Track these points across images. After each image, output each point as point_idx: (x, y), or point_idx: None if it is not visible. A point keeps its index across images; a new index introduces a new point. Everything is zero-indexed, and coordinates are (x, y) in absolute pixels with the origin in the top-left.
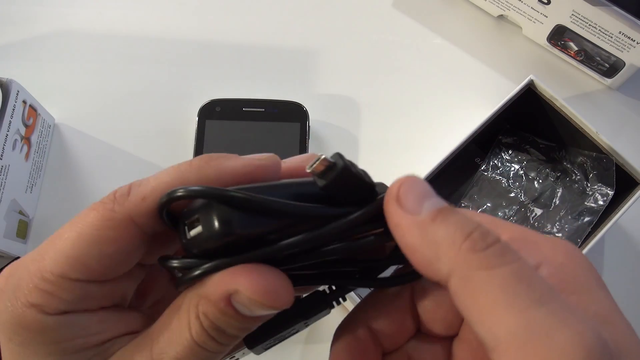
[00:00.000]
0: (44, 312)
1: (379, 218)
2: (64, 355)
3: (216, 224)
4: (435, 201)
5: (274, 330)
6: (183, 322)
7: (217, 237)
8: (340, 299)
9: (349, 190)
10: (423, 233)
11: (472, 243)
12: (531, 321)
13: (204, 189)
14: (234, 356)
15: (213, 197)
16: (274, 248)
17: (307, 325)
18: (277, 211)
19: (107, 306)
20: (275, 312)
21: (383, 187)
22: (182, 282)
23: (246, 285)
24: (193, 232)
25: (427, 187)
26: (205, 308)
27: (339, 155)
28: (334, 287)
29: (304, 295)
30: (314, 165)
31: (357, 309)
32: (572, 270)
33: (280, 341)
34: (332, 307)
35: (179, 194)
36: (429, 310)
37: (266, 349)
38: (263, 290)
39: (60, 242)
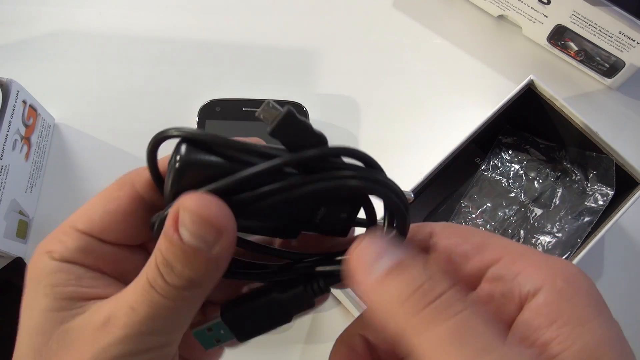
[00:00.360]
0: (52, 257)
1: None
2: (55, 299)
3: (177, 160)
4: (386, 259)
5: (248, 304)
6: (144, 268)
7: (178, 175)
8: (318, 285)
9: (296, 137)
10: (375, 295)
11: (418, 299)
12: None
13: (174, 128)
14: (219, 340)
15: (180, 136)
16: (226, 180)
17: (290, 318)
18: (234, 148)
19: (105, 271)
20: (218, 243)
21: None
22: (152, 225)
23: (188, 203)
24: (168, 179)
25: (383, 245)
26: (160, 243)
27: (288, 107)
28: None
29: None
30: (262, 109)
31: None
32: (571, 297)
33: (261, 329)
34: (311, 295)
35: (159, 136)
36: None
37: (247, 335)
38: (201, 206)
39: (85, 204)
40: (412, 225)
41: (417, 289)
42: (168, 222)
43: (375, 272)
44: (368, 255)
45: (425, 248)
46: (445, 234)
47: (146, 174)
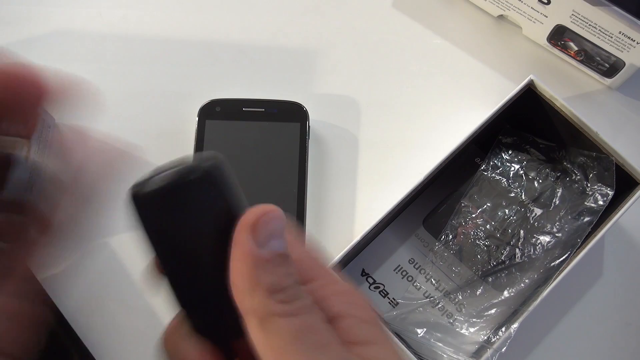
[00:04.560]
0: None
1: None
2: None
3: None
4: (279, 244)
5: None
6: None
7: None
8: None
9: None
10: (254, 266)
11: (282, 296)
12: None
13: None
14: None
15: None
16: None
17: None
18: None
19: None
20: None
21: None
22: None
23: None
24: None
25: (281, 228)
26: None
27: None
28: None
29: None
30: None
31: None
32: (369, 323)
33: None
34: None
35: None
36: None
37: None
38: None
39: None
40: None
41: (285, 286)
42: None
43: (265, 248)
44: (266, 227)
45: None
46: None
47: None
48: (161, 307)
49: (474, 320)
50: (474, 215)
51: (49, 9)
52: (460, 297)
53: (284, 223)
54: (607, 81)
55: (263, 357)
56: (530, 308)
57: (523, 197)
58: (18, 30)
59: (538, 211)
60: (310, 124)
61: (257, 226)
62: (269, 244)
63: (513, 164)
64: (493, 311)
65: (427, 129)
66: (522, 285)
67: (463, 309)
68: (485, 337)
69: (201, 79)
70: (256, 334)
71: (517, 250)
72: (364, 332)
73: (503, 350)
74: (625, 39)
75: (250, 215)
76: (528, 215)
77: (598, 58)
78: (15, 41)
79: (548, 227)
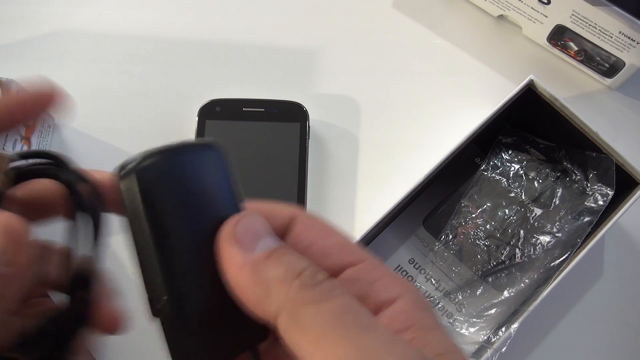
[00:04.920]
0: None
1: None
2: None
3: None
4: (270, 241)
5: None
6: None
7: None
8: None
9: None
10: (255, 271)
11: (302, 281)
12: (361, 349)
13: None
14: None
15: None
16: None
17: None
18: None
19: None
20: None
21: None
22: None
23: None
24: None
25: (264, 226)
26: None
27: None
28: None
29: None
30: None
31: None
32: (422, 309)
33: None
34: None
35: None
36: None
37: None
38: None
39: None
40: (273, 205)
41: (301, 271)
42: None
43: (259, 248)
44: (251, 231)
45: (282, 231)
46: (307, 224)
47: None
48: None
49: (474, 320)
50: (474, 215)
51: (49, 9)
52: (460, 297)
53: (263, 222)
54: (607, 81)
55: (304, 354)
56: (530, 308)
57: (523, 197)
58: (18, 30)
59: (538, 211)
60: (310, 124)
61: (239, 234)
62: (258, 245)
63: (513, 164)
64: (493, 311)
65: (427, 129)
66: (522, 285)
67: (463, 309)
68: (485, 337)
69: (201, 79)
70: (290, 333)
71: (517, 250)
72: (419, 315)
73: (503, 350)
74: (625, 39)
75: (227, 227)
76: (528, 215)
77: (598, 58)
78: (15, 41)
79: (548, 227)
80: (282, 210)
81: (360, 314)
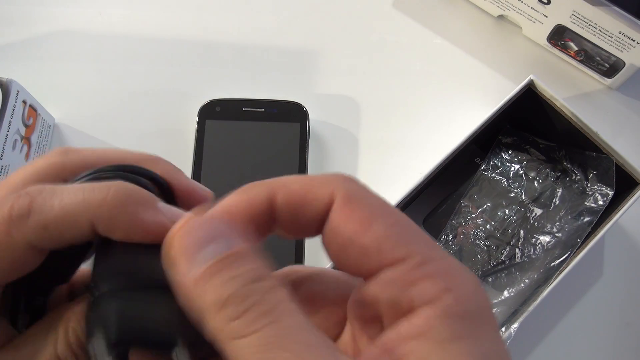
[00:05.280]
0: None
1: None
2: None
3: None
4: (212, 250)
5: None
6: (50, 336)
7: None
8: None
9: None
10: (187, 295)
11: (226, 313)
12: None
13: None
14: None
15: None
16: None
17: None
18: None
19: None
20: None
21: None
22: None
23: None
24: None
25: (207, 232)
26: (75, 323)
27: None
28: None
29: None
30: None
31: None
32: (458, 316)
33: None
34: None
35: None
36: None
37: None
38: None
39: None
40: (311, 183)
41: (225, 301)
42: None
43: (196, 266)
44: (190, 241)
45: (320, 221)
46: (344, 214)
47: (48, 234)
48: None
49: None
50: (474, 215)
51: (49, 9)
52: None
53: (205, 230)
54: (607, 81)
55: None
56: (530, 308)
57: (523, 197)
58: (18, 30)
59: (538, 211)
60: (310, 124)
61: (171, 252)
62: (197, 258)
63: (513, 164)
64: (493, 311)
65: (427, 129)
66: (522, 285)
67: None
68: None
69: (201, 79)
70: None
71: (517, 250)
72: (441, 329)
73: None
74: (625, 39)
75: (168, 236)
76: (528, 215)
77: (598, 58)
78: (15, 41)
79: (548, 227)
80: (320, 190)
81: (285, 346)
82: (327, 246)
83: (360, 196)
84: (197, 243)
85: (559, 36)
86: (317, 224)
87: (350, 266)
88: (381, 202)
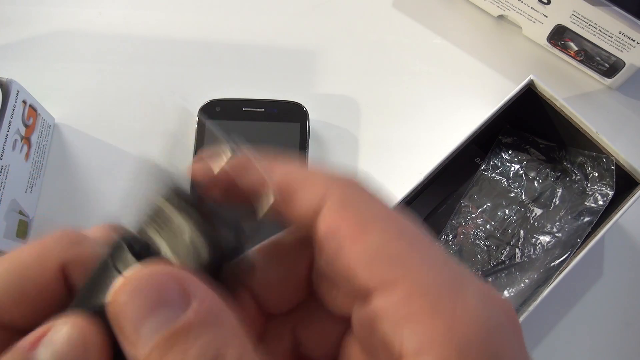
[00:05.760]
0: None
1: None
2: None
3: None
4: (160, 320)
5: None
6: None
7: None
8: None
9: None
10: None
11: None
12: None
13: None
14: None
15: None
16: None
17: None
18: None
19: None
20: None
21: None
22: None
23: None
24: None
25: (158, 293)
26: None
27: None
28: None
29: None
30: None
31: None
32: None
33: None
34: None
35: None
36: (326, 286)
37: None
38: None
39: None
40: (303, 181)
41: None
42: None
43: (144, 342)
44: (134, 308)
45: (306, 221)
46: (334, 220)
47: (81, 252)
48: None
49: None
50: (474, 215)
51: (49, 9)
52: None
53: (155, 290)
54: (607, 81)
55: None
56: (530, 308)
57: (523, 197)
58: (18, 30)
59: (538, 211)
60: (310, 124)
61: (115, 315)
62: (142, 331)
63: (513, 164)
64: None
65: (427, 129)
66: (522, 285)
67: None
68: None
69: (201, 79)
70: None
71: (517, 250)
72: None
73: None
74: (625, 39)
75: (112, 305)
76: (528, 215)
77: (598, 58)
78: (15, 41)
79: (548, 227)
80: (309, 190)
81: None
82: (316, 255)
83: (357, 201)
84: (144, 308)
85: (559, 36)
86: (306, 228)
87: (339, 281)
88: (381, 209)
